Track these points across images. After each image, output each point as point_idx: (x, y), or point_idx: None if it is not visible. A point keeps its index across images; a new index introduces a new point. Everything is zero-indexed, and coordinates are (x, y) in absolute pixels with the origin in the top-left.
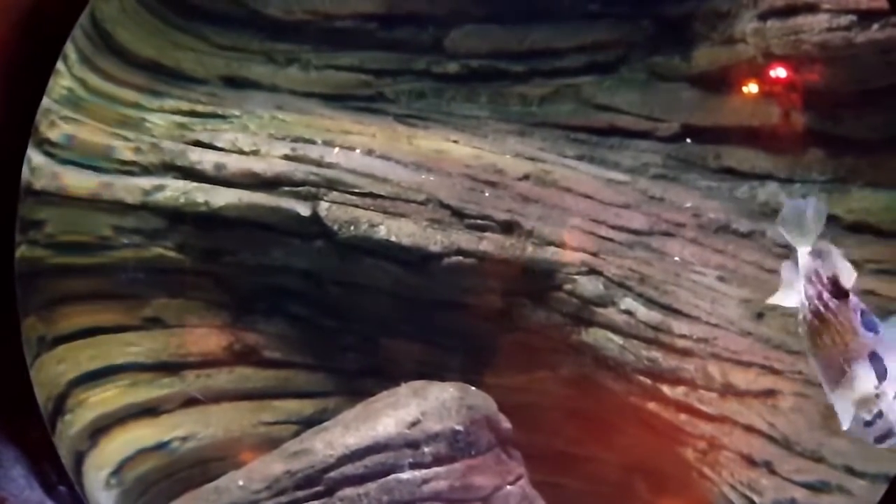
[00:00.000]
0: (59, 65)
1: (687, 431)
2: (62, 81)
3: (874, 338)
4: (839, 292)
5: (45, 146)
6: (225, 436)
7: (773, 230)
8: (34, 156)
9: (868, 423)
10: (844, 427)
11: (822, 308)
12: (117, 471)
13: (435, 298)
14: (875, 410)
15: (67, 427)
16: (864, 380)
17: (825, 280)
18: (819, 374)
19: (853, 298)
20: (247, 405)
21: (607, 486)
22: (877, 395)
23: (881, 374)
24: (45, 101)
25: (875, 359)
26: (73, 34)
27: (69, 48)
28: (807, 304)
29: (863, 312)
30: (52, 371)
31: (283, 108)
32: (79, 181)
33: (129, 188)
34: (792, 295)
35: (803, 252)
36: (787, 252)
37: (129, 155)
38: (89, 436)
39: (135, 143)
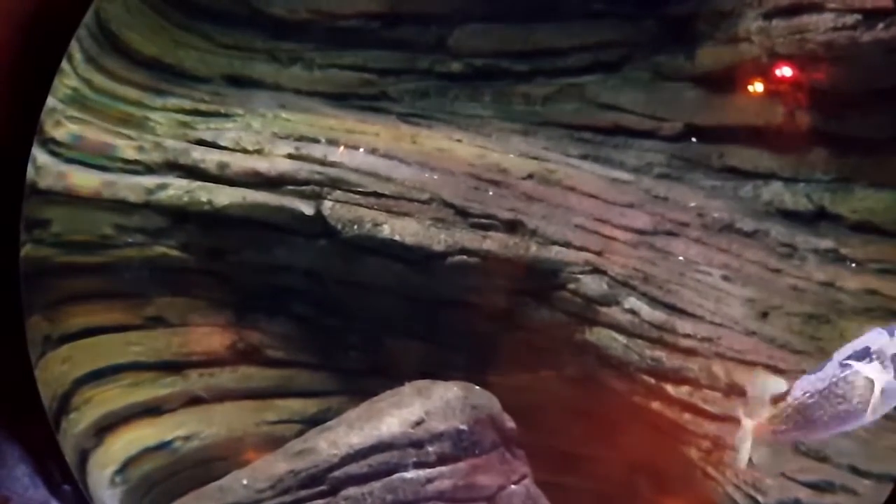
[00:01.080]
0: (64, 64)
1: (691, 431)
2: (67, 81)
3: (837, 359)
4: (784, 396)
5: (51, 145)
6: (228, 435)
7: (777, 229)
8: (39, 155)
9: None
10: None
11: (804, 405)
12: (122, 469)
13: (438, 298)
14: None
15: (72, 426)
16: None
17: (775, 409)
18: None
19: (795, 385)
20: (250, 404)
21: (611, 485)
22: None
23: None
24: (50, 101)
25: (867, 355)
26: (78, 34)
27: (74, 48)
28: (797, 418)
29: (815, 370)
30: (56, 370)
31: (287, 107)
32: (83, 180)
33: (133, 187)
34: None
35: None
36: (791, 251)
37: (132, 154)
38: (94, 434)
39: (138, 141)
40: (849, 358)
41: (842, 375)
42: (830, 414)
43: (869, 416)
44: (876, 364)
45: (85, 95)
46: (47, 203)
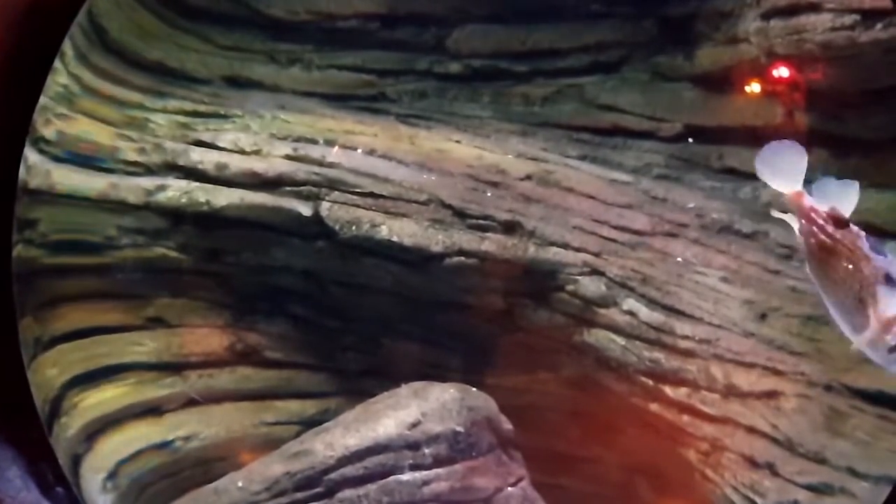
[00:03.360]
0: (57, 62)
1: (689, 433)
2: (58, 79)
3: (885, 260)
4: (840, 222)
5: (41, 144)
6: (226, 436)
7: (776, 231)
8: (30, 154)
9: (893, 349)
10: (875, 358)
11: (828, 241)
12: (115, 472)
13: (436, 299)
14: None
15: (63, 430)
16: (888, 303)
17: (823, 215)
18: (835, 312)
19: (853, 227)
20: (248, 405)
21: (609, 487)
22: None
23: None
24: (42, 99)
25: (891, 281)
26: (71, 32)
27: (66, 46)
28: (812, 241)
29: (867, 238)
30: (47, 373)
31: (285, 107)
32: (77, 180)
33: (132, 188)
34: None
35: (793, 193)
36: (791, 252)
37: (131, 155)
38: (86, 438)
39: (137, 143)
40: None
41: None
42: (859, 303)
43: None
44: None
45: (74, 92)
46: (38, 203)
